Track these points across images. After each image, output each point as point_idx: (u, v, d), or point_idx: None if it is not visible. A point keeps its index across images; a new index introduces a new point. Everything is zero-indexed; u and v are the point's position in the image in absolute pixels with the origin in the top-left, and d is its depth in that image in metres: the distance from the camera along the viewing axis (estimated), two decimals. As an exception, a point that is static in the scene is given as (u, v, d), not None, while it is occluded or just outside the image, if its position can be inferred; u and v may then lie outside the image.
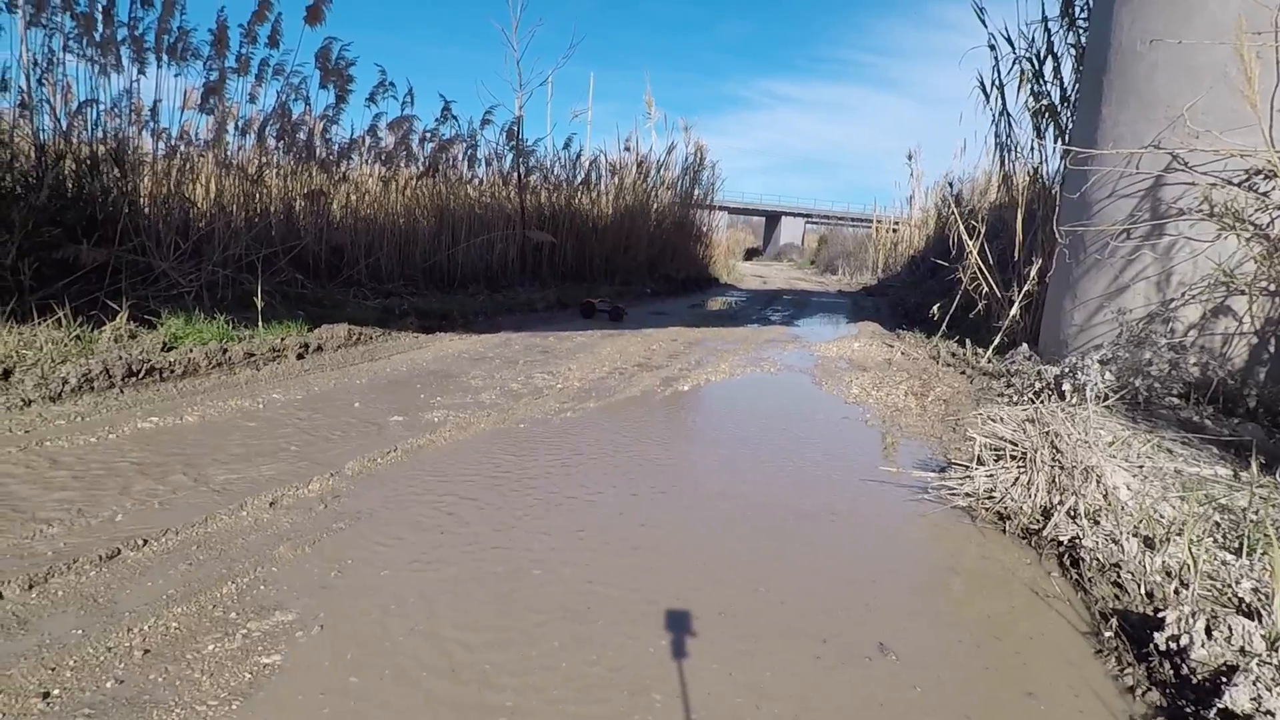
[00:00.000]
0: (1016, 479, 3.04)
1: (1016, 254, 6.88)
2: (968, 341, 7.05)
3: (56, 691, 1.58)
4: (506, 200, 11.01)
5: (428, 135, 9.62)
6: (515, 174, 11.07)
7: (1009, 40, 7.99)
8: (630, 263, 12.96)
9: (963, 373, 6.24)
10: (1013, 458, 3.08)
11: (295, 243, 7.32)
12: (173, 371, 4.41)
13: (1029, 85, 7.90)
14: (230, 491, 2.79)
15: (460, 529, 2.62)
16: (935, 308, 8.25)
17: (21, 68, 6.28)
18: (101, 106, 6.50)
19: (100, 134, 6.37)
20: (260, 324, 5.49)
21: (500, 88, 18.17)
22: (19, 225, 4.74)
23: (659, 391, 5.14)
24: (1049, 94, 7.75)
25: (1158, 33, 4.73)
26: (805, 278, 27.43)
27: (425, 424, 3.92)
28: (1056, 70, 7.66)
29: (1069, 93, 7.50)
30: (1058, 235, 5.41)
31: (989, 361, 6.38)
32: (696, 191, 15.27)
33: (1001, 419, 3.11)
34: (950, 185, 18.94)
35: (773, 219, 52.28)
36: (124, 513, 2.53)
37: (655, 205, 13.88)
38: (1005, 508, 3.00)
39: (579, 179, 12.42)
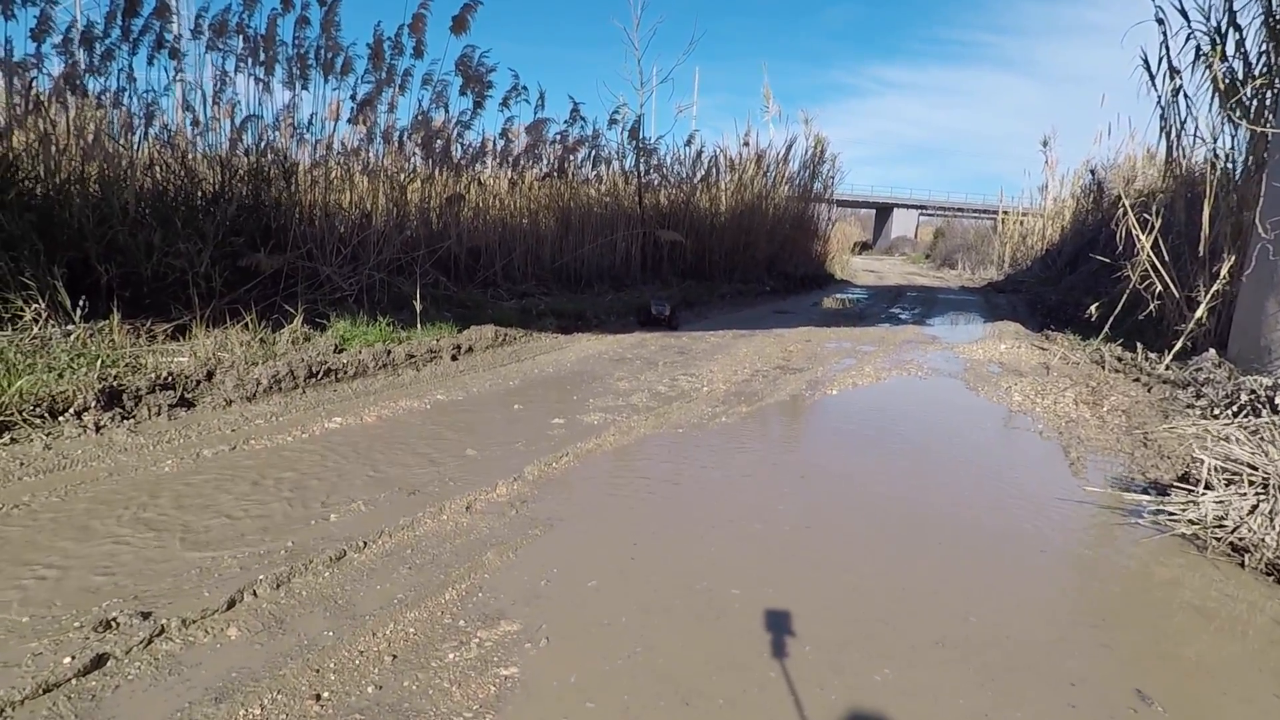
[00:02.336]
0: (1255, 507, 2.71)
1: (1201, 249, 6.23)
2: (1138, 346, 6.46)
3: (326, 695, 1.65)
4: (627, 199, 11.08)
5: (557, 137, 9.81)
6: (636, 173, 11.11)
7: (1183, 12, 7.25)
8: (749, 260, 12.77)
9: (1136, 380, 5.72)
10: (1250, 482, 2.75)
11: (438, 246, 7.62)
12: (345, 373, 4.66)
13: (1207, 61, 7.15)
14: (425, 493, 2.89)
15: (652, 539, 2.59)
16: (1093, 307, 7.64)
17: (199, 90, 6.85)
18: (263, 122, 7.00)
19: (264, 149, 6.85)
20: (418, 325, 5.74)
21: (619, 87, 18.22)
22: (210, 237, 5.15)
23: (808, 396, 4.99)
24: (1234, 70, 6.98)
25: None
26: (922, 273, 26.24)
27: (586, 427, 3.95)
28: (1240, 44, 6.89)
29: (1255, 68, 6.73)
30: (1260, 229, 4.85)
31: (1167, 369, 5.82)
32: (815, 186, 14.85)
33: (1236, 438, 2.79)
34: (1092, 173, 17.63)
35: (883, 211, 50.40)
36: (335, 513, 2.66)
37: (774, 201, 13.59)
38: (1242, 539, 2.68)
39: (698, 176, 12.33)
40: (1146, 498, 3.10)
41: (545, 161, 9.94)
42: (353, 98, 7.18)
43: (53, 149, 5.31)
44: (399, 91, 7.57)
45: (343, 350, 4.95)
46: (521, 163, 9.80)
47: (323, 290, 6.04)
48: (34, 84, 6.10)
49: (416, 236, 7.62)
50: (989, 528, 2.88)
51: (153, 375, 3.87)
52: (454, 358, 5.39)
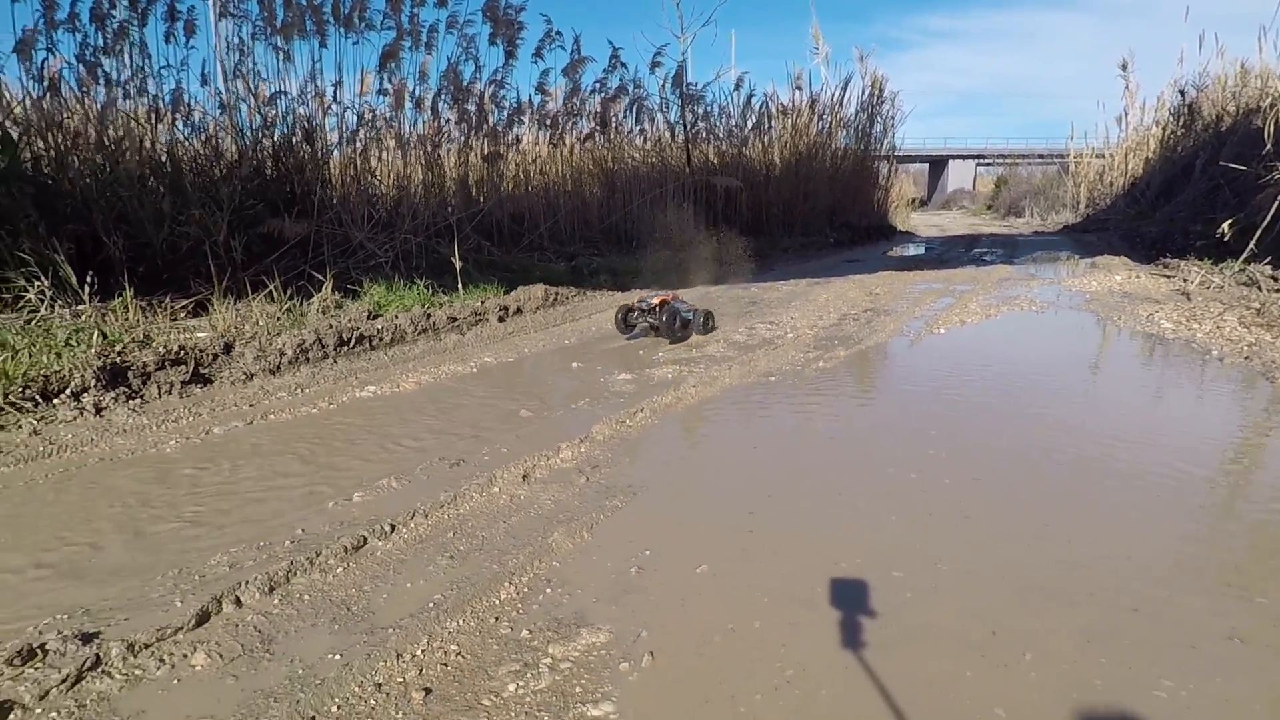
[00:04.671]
0: None
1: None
2: (1297, 259, 5.48)
3: (320, 762, 1.05)
4: (674, 157, 10.30)
5: (596, 85, 9.10)
6: (683, 123, 10.32)
7: None
8: (809, 212, 11.85)
9: (1309, 296, 4.78)
10: None
11: (476, 208, 7.05)
12: (381, 339, 4.12)
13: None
14: (471, 463, 2.30)
15: (772, 505, 1.94)
16: (1226, 225, 6.63)
17: (217, 59, 6.39)
18: (290, 96, 6.51)
19: (290, 120, 6.36)
20: (460, 287, 5.18)
21: (658, 37, 17.07)
22: (227, 202, 4.66)
23: (911, 337, 4.24)
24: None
25: None
26: (987, 223, 24.68)
27: (660, 381, 3.30)
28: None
29: None
30: None
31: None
32: (875, 129, 13.75)
33: None
34: (1182, 94, 16.03)
35: (937, 165, 48.10)
36: (360, 491, 2.09)
37: (832, 148, 12.60)
38: None
39: (749, 125, 11.43)
40: None
41: (584, 118, 9.24)
42: (383, 49, 6.63)
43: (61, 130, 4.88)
44: (427, 52, 7.00)
45: (377, 317, 4.41)
46: (560, 122, 9.14)
47: (356, 258, 5.53)
48: (45, 65, 5.73)
49: (455, 203, 7.06)
50: (1246, 488, 2.13)
51: (161, 351, 3.37)
52: (501, 319, 4.80)
